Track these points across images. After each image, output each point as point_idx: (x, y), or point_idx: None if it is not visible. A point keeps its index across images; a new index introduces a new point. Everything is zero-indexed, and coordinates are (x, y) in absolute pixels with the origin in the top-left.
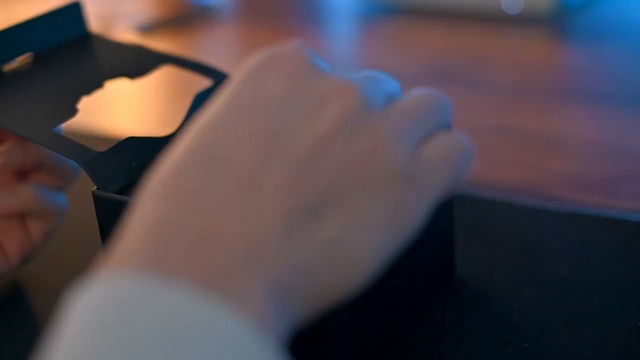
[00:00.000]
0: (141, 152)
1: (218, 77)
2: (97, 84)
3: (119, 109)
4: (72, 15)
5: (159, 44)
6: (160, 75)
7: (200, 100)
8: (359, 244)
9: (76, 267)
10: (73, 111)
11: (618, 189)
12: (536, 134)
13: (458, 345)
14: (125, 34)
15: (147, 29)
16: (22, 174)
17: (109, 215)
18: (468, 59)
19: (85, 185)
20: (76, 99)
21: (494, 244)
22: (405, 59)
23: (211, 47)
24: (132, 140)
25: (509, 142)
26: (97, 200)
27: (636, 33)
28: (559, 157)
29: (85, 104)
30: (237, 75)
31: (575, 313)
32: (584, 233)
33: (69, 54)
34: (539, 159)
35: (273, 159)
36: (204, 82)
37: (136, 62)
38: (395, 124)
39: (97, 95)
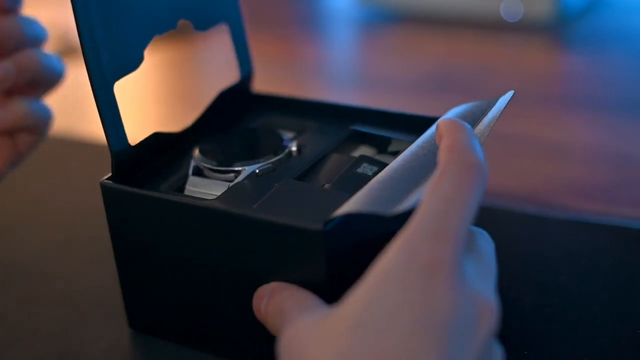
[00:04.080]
0: (164, 148)
1: (245, 71)
2: (171, 25)
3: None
4: None
5: (159, 50)
6: (160, 82)
7: (223, 98)
8: None
9: (82, 259)
10: (140, 58)
11: (619, 195)
12: (536, 141)
13: None
14: None
15: None
16: (11, 90)
17: (117, 206)
18: (468, 66)
19: (94, 174)
20: (147, 38)
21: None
22: (406, 66)
23: (212, 55)
24: (156, 136)
25: (509, 149)
26: (106, 191)
27: (635, 40)
28: (560, 164)
29: (83, 111)
30: None
31: (576, 320)
32: (584, 240)
33: None
34: (540, 166)
35: None
36: (206, 92)
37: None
38: None
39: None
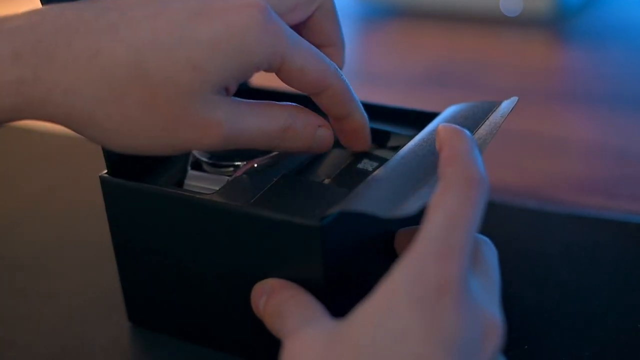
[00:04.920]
0: None
1: None
2: None
3: None
4: None
5: None
6: None
7: None
8: None
9: (82, 255)
10: None
11: (619, 190)
12: (536, 136)
13: None
14: None
15: None
16: None
17: (117, 200)
18: (467, 61)
19: (93, 170)
20: None
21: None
22: (405, 62)
23: None
24: None
25: (509, 144)
26: (105, 185)
27: (635, 35)
28: (559, 160)
29: None
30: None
31: (576, 315)
32: (584, 235)
33: None
34: (539, 161)
35: None
36: None
37: None
38: None
39: None
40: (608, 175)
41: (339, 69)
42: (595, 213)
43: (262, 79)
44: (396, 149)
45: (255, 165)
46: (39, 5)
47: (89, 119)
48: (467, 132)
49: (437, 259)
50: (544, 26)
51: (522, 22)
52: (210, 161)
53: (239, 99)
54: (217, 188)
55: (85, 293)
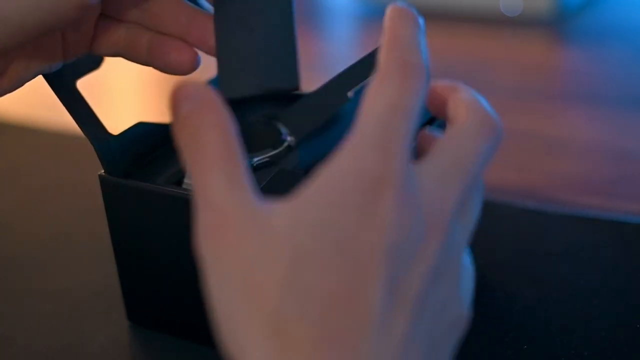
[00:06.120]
0: (150, 137)
1: None
2: None
3: (115, 106)
4: None
5: None
6: (160, 75)
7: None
8: None
9: (81, 253)
10: (100, 58)
11: (618, 190)
12: (536, 136)
13: (458, 347)
14: None
15: None
16: None
17: (116, 199)
18: (467, 61)
19: (93, 168)
20: None
21: (494, 246)
22: None
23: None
24: (141, 126)
25: (509, 144)
26: (104, 184)
27: (635, 35)
28: (559, 159)
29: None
30: None
31: (575, 315)
32: (584, 235)
33: None
34: (539, 161)
35: None
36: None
37: None
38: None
39: (94, 93)
40: (608, 175)
41: None
42: (595, 213)
43: None
44: None
45: (254, 164)
46: None
47: None
48: (415, 14)
49: (375, 150)
50: (544, 26)
51: (522, 22)
52: None
53: None
54: None
55: (84, 292)
